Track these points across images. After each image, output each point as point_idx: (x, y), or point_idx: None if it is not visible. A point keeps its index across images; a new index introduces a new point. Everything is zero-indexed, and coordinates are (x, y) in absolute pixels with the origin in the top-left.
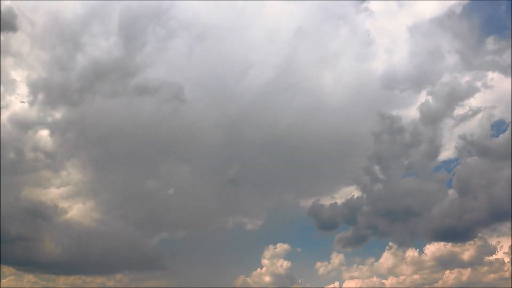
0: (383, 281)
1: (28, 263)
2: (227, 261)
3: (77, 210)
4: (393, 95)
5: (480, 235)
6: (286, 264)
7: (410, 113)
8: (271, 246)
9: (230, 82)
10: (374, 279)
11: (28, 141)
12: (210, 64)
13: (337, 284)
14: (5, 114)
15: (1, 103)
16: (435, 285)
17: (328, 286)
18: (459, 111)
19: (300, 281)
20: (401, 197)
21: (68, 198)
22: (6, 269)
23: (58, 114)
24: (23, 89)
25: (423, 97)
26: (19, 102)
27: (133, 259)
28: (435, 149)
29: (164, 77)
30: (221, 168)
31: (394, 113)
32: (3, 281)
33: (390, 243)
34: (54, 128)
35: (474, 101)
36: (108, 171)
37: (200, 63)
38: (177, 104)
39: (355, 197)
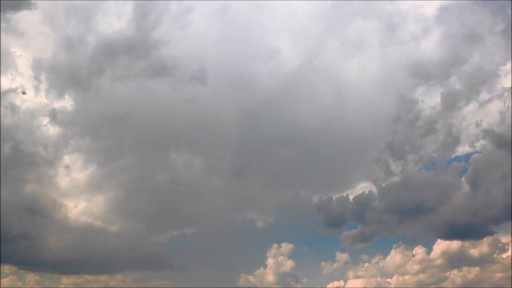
0: (388, 280)
1: (31, 262)
2: (233, 259)
3: (81, 207)
4: (420, 83)
5: (495, 231)
6: (290, 263)
7: (436, 101)
8: (275, 245)
9: (252, 67)
10: (379, 279)
11: (30, 132)
12: (231, 45)
13: (341, 282)
14: (6, 101)
15: (1, 89)
16: (443, 284)
17: (330, 285)
18: (484, 96)
19: (304, 280)
20: (414, 192)
21: (72, 195)
22: (8, 267)
23: (64, 102)
24: (27, 73)
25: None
26: (22, 88)
27: (138, 257)
28: (454, 138)
29: (182, 56)
30: (235, 162)
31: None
32: (5, 280)
33: (399, 242)
34: (59, 118)
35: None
36: (116, 164)
37: (220, 43)
38: (196, 86)
39: (366, 192)
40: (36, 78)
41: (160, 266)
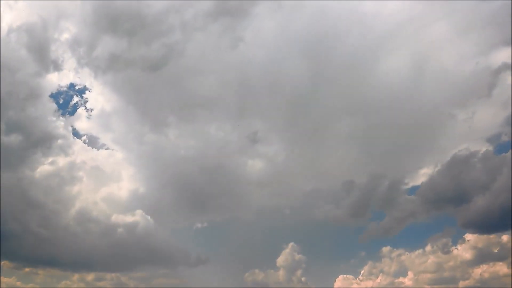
0: (402, 279)
1: (39, 259)
2: (246, 256)
3: (94, 197)
4: None
5: None
6: (303, 259)
7: None
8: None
9: (333, 28)
10: (396, 279)
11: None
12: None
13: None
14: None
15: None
16: (466, 281)
17: (337, 283)
18: None
19: (316, 278)
20: (463, 176)
21: (84, 186)
22: (14, 265)
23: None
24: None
25: None
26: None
27: (152, 254)
28: None
29: None
30: (280, 136)
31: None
32: (10, 279)
33: (427, 235)
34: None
35: None
36: (140, 143)
37: None
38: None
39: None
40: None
41: (175, 263)
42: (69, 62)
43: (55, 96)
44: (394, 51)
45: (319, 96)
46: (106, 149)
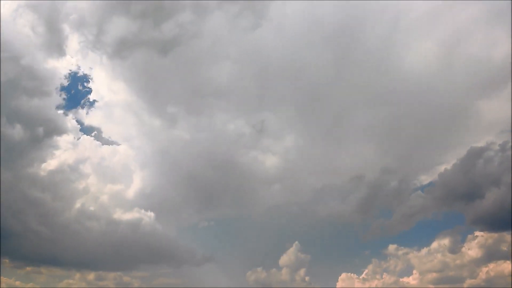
0: (407, 278)
1: (41, 259)
2: (248, 255)
3: (94, 198)
4: None
5: None
6: (306, 258)
7: None
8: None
9: (361, 20)
10: (404, 278)
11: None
12: None
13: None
14: None
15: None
16: (468, 282)
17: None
18: None
19: (320, 278)
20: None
21: (88, 183)
22: (15, 264)
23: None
24: None
25: None
26: None
27: (155, 252)
28: None
29: None
30: (297, 129)
31: None
32: (13, 279)
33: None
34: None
35: None
36: (146, 137)
37: None
38: None
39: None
40: None
41: (179, 262)
42: (76, 48)
43: (62, 87)
44: (423, 38)
45: (340, 87)
46: (111, 144)
